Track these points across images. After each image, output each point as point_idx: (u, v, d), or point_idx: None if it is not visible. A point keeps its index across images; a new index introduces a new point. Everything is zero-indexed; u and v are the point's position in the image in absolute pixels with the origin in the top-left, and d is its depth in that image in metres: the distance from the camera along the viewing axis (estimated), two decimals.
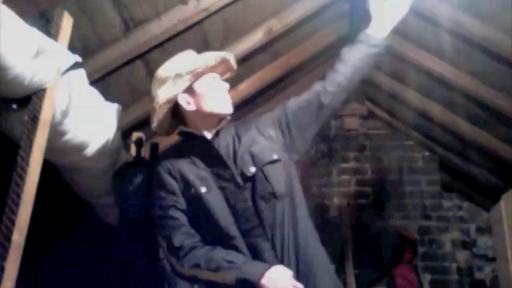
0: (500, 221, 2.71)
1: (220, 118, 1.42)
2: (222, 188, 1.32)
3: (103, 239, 2.11)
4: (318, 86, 1.44)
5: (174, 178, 1.36)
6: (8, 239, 1.19)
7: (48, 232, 1.90)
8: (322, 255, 1.39)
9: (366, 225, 3.72)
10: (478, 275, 3.71)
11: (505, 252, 2.62)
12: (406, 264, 3.45)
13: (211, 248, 1.29)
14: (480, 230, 3.89)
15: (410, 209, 3.75)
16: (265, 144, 1.38)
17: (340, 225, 3.68)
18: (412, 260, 3.47)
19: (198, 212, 1.32)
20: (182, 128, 1.45)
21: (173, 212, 1.33)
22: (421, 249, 3.61)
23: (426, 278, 3.55)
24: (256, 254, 1.28)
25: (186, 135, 1.43)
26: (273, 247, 1.28)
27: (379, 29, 1.46)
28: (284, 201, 1.33)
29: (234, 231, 1.29)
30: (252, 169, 1.32)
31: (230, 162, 1.36)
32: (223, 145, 1.39)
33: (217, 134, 1.41)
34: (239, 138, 1.41)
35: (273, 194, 1.31)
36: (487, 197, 3.63)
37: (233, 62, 1.46)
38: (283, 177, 1.35)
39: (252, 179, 1.32)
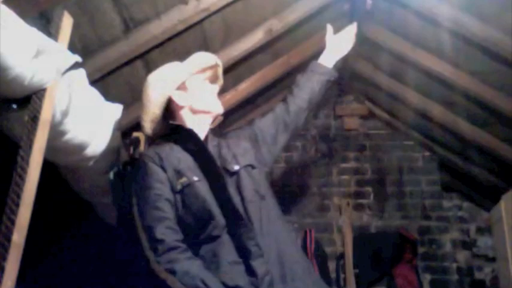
0: (500, 221, 2.71)
1: (212, 116, 1.50)
2: (208, 181, 1.35)
3: (103, 239, 2.11)
4: (280, 107, 1.63)
5: (162, 168, 1.36)
6: (8, 239, 1.19)
7: (48, 232, 1.90)
8: (300, 254, 1.44)
9: (366, 225, 3.73)
10: (478, 275, 3.71)
11: (505, 252, 2.63)
12: (406, 264, 3.45)
13: (191, 257, 1.27)
14: (480, 230, 3.89)
15: (410, 209, 3.75)
16: (244, 152, 1.48)
17: (340, 225, 3.69)
18: (412, 260, 3.48)
19: (190, 200, 1.32)
20: (171, 122, 1.49)
21: (160, 203, 1.31)
22: (421, 249, 3.61)
23: (426, 278, 3.55)
24: (240, 246, 1.28)
25: (175, 128, 1.47)
26: (257, 243, 1.28)
27: (327, 59, 1.73)
28: (265, 200, 1.39)
29: (222, 221, 1.30)
30: (236, 167, 1.40)
31: (215, 158, 1.42)
32: (210, 145, 1.47)
33: (206, 138, 1.48)
34: (221, 144, 1.49)
35: (257, 192, 1.38)
36: (487, 197, 3.63)
37: (220, 72, 1.55)
38: (262, 181, 1.45)
39: (235, 175, 1.38)
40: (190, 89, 1.48)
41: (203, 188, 1.33)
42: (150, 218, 1.30)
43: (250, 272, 1.24)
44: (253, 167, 1.44)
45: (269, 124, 1.59)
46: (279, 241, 1.33)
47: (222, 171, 1.38)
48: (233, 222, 1.30)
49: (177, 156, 1.39)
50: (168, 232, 1.28)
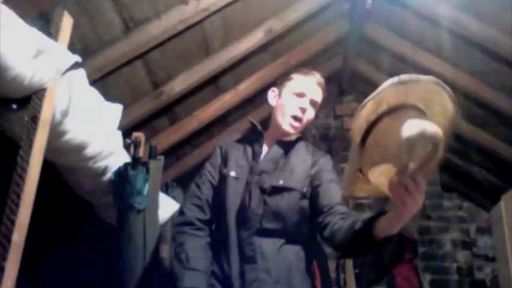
0: (500, 221, 2.71)
1: (281, 132, 1.45)
2: (247, 182, 1.38)
3: (103, 239, 2.11)
4: (331, 217, 1.29)
5: (221, 155, 1.48)
6: (8, 239, 1.19)
7: (48, 232, 1.90)
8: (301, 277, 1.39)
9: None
10: (478, 275, 3.70)
11: (505, 252, 2.62)
12: (406, 264, 3.45)
13: (198, 235, 1.38)
14: (480, 230, 3.88)
15: None
16: (306, 175, 1.40)
17: None
18: (412, 260, 3.47)
19: (220, 190, 1.41)
20: (251, 118, 1.55)
21: (202, 182, 1.44)
22: (421, 249, 3.60)
23: (426, 278, 3.55)
24: (240, 245, 1.33)
25: (252, 125, 1.51)
26: (253, 248, 1.32)
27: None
28: (288, 225, 1.36)
29: (233, 215, 1.35)
30: (281, 182, 1.37)
31: (267, 164, 1.40)
32: (278, 151, 1.43)
33: (284, 142, 1.44)
34: (303, 157, 1.44)
35: (283, 218, 1.35)
36: (487, 197, 3.63)
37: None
38: (296, 210, 1.37)
39: (276, 190, 1.36)
40: (283, 96, 1.49)
41: (235, 185, 1.38)
42: (189, 192, 1.46)
43: (241, 275, 1.30)
44: (303, 194, 1.38)
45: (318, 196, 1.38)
46: (285, 261, 1.34)
47: (265, 182, 1.37)
48: (243, 221, 1.35)
49: (236, 150, 1.47)
50: (192, 208, 1.41)
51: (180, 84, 2.40)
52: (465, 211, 3.88)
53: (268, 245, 1.33)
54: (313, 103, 1.46)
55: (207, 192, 1.43)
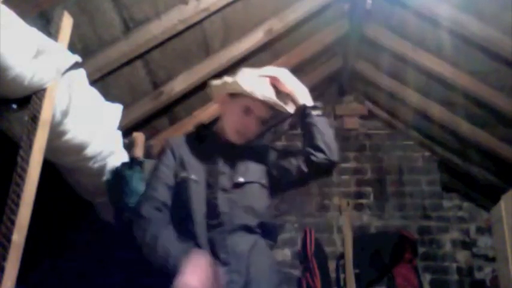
0: (500, 221, 2.71)
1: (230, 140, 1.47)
2: (208, 184, 1.38)
3: (103, 239, 2.11)
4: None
5: (173, 156, 1.43)
6: (8, 239, 1.19)
7: (48, 232, 1.90)
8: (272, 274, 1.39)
9: (366, 225, 3.73)
10: (478, 275, 3.70)
11: (505, 252, 2.63)
12: (406, 264, 3.45)
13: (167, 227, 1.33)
14: (480, 230, 3.88)
15: (410, 209, 3.75)
16: (261, 169, 1.46)
17: (340, 225, 3.69)
18: (412, 260, 3.47)
19: (180, 193, 1.37)
20: (203, 122, 1.55)
21: (158, 184, 1.38)
22: (421, 249, 3.60)
23: (426, 278, 3.55)
24: (212, 248, 1.31)
25: (204, 127, 1.52)
26: (227, 251, 1.31)
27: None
28: (259, 216, 1.38)
29: (201, 219, 1.33)
30: (241, 179, 1.40)
31: (223, 165, 1.42)
32: (233, 153, 1.45)
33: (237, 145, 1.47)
34: (249, 150, 1.48)
35: (252, 210, 1.37)
36: (487, 197, 3.63)
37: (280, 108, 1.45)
38: (264, 201, 1.42)
39: (238, 186, 1.39)
40: (234, 105, 1.45)
41: (197, 187, 1.37)
42: (143, 195, 1.41)
43: None
44: (263, 185, 1.44)
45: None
46: (256, 259, 1.34)
47: (226, 181, 1.39)
48: (212, 225, 1.33)
49: (190, 150, 1.44)
50: (154, 212, 1.34)
51: (180, 84, 2.40)
52: (465, 211, 3.88)
53: (242, 244, 1.33)
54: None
55: (164, 194, 1.37)
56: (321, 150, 1.36)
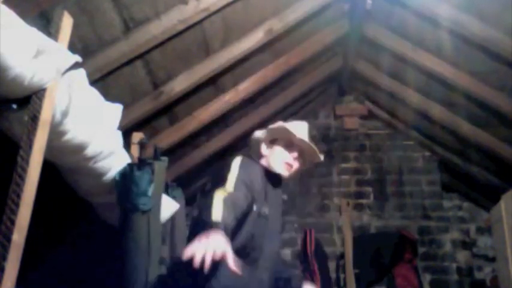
0: (500, 221, 2.71)
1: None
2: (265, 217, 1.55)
3: (103, 239, 2.11)
4: None
5: (251, 180, 1.50)
6: (8, 239, 1.19)
7: (48, 232, 1.90)
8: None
9: (366, 225, 3.73)
10: (478, 275, 3.71)
11: (505, 252, 2.62)
12: (406, 264, 3.45)
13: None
14: (480, 230, 3.89)
15: (410, 209, 3.75)
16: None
17: (340, 225, 3.69)
18: (412, 260, 3.48)
19: (250, 217, 1.48)
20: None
21: (239, 197, 1.41)
22: (421, 249, 3.61)
23: (426, 278, 3.55)
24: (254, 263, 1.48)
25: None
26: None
27: None
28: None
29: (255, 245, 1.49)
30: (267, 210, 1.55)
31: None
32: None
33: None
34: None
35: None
36: (487, 197, 3.63)
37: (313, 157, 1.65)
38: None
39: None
40: (274, 147, 1.62)
41: (265, 223, 1.53)
42: (226, 198, 1.36)
43: None
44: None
45: None
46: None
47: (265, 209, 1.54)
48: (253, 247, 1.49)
49: (259, 182, 1.54)
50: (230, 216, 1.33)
51: (180, 84, 2.40)
52: (465, 211, 3.89)
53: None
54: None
55: (239, 210, 1.38)
56: None
